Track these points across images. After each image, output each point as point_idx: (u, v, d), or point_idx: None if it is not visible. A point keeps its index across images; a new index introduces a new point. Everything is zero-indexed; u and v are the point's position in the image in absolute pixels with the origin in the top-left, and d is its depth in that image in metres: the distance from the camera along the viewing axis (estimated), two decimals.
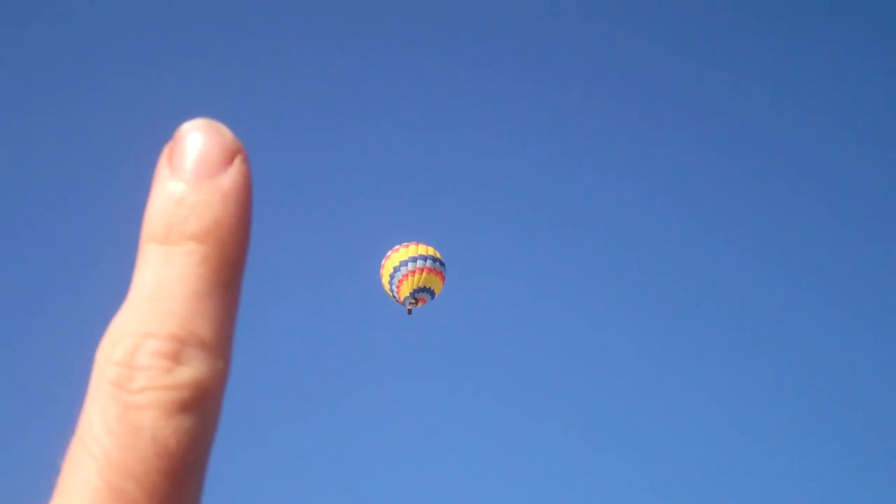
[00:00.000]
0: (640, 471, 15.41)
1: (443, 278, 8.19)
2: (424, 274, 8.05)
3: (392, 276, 8.10)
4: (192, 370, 0.26)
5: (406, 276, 8.04)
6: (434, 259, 8.12)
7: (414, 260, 8.04)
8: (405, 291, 8.09)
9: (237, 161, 0.28)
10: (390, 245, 8.23)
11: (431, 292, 8.18)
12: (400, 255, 8.08)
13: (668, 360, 16.24)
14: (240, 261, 0.28)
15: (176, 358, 0.26)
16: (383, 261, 8.16)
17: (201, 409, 0.26)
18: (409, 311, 8.30)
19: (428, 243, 8.21)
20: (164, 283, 0.27)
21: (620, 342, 16.60)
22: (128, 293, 0.28)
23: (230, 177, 0.28)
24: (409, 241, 8.19)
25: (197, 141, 0.28)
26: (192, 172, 0.28)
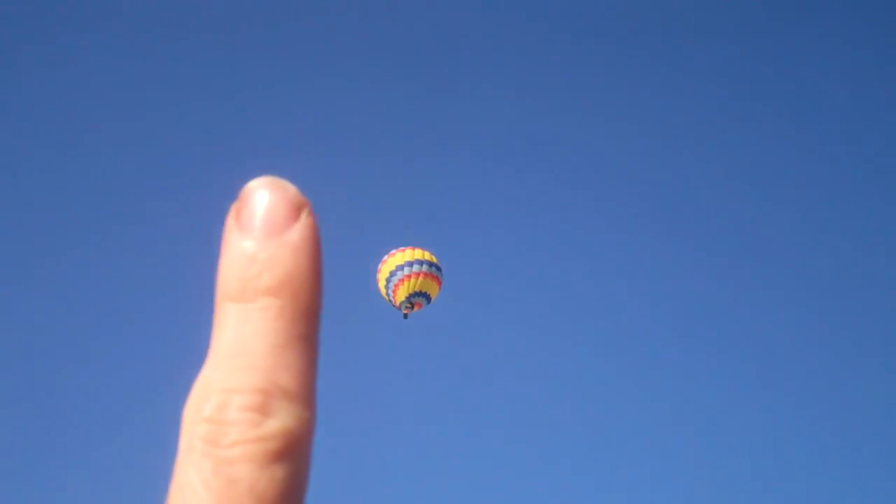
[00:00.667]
0: (636, 475, 15.42)
1: (439, 283, 8.19)
2: (421, 278, 8.05)
3: (388, 280, 8.10)
4: (280, 421, 0.27)
5: (402, 280, 8.04)
6: (431, 264, 8.12)
7: (410, 264, 8.04)
8: (401, 296, 8.09)
9: (304, 215, 0.29)
10: (387, 249, 8.23)
11: (428, 297, 8.18)
12: (396, 260, 8.08)
13: (667, 363, 16.25)
14: (315, 311, 0.29)
15: (263, 410, 0.27)
16: (380, 265, 8.16)
17: (292, 457, 0.27)
18: (406, 316, 8.29)
19: (425, 248, 8.22)
20: (243, 340, 0.28)
21: (618, 346, 16.61)
22: (208, 353, 0.29)
23: (298, 231, 0.29)
24: (406, 245, 8.19)
25: (264, 198, 0.29)
26: (261, 229, 0.29)
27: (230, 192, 0.30)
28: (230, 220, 0.29)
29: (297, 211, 0.29)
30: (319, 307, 0.29)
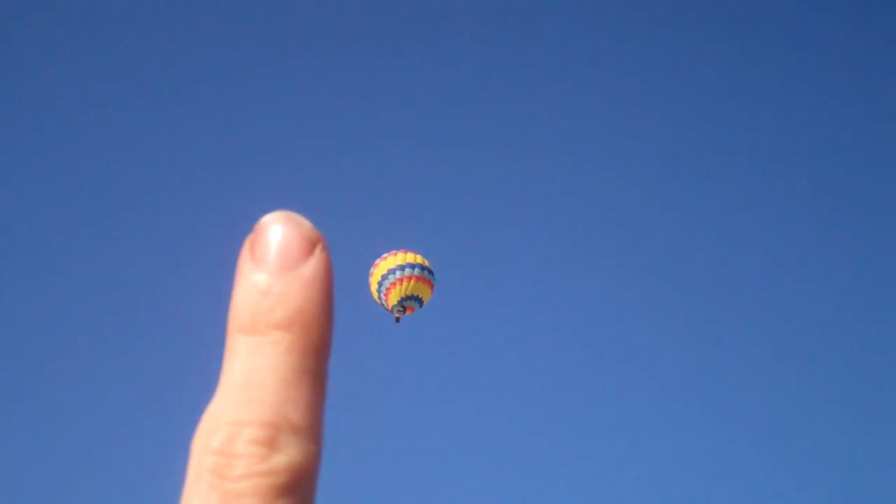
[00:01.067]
0: (635, 474, 15.44)
1: (431, 287, 8.20)
2: (413, 282, 8.05)
3: (380, 284, 8.10)
4: (287, 456, 0.27)
5: (394, 284, 8.05)
6: (423, 267, 8.13)
7: (402, 268, 8.04)
8: (393, 299, 8.09)
9: (318, 250, 0.29)
10: (379, 253, 8.23)
11: (420, 300, 8.18)
12: (388, 264, 8.08)
13: (666, 365, 16.27)
14: (325, 346, 0.29)
15: (271, 444, 0.27)
16: (372, 269, 8.16)
17: (298, 492, 0.27)
18: (398, 320, 8.30)
19: (416, 252, 8.22)
20: (254, 373, 0.28)
21: (614, 349, 16.62)
22: (219, 383, 0.29)
23: (311, 266, 0.29)
24: (398, 249, 8.20)
25: (278, 233, 0.29)
26: (275, 263, 0.29)
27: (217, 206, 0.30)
28: (244, 253, 0.30)
29: (311, 246, 0.29)
30: (330, 342, 0.29)
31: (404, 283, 8.04)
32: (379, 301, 8.19)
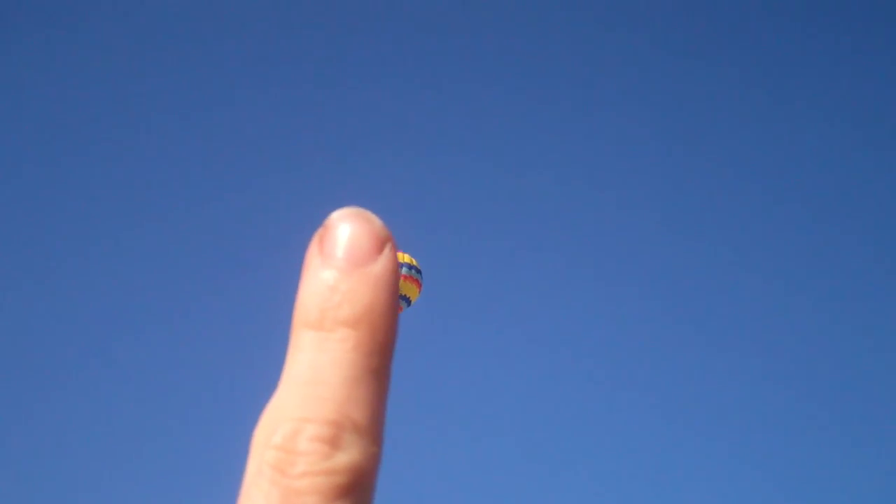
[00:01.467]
0: (633, 476, 15.46)
1: (419, 286, 8.20)
2: (400, 282, 8.06)
3: None
4: (349, 455, 0.27)
5: None
6: (410, 266, 8.12)
7: None
8: None
9: (387, 249, 0.29)
10: None
11: (407, 300, 8.18)
12: None
13: (665, 363, 16.27)
14: (390, 346, 0.29)
15: (334, 443, 0.27)
16: None
17: (358, 492, 0.27)
18: None
19: (404, 251, 8.22)
20: (319, 369, 0.28)
21: (615, 346, 16.62)
22: (282, 376, 0.28)
23: (380, 265, 0.29)
24: None
25: (348, 230, 0.29)
26: (344, 260, 0.29)
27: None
28: (313, 248, 0.29)
29: (381, 244, 0.29)
30: (394, 343, 0.29)
31: None
32: None
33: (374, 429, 0.28)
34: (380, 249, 0.29)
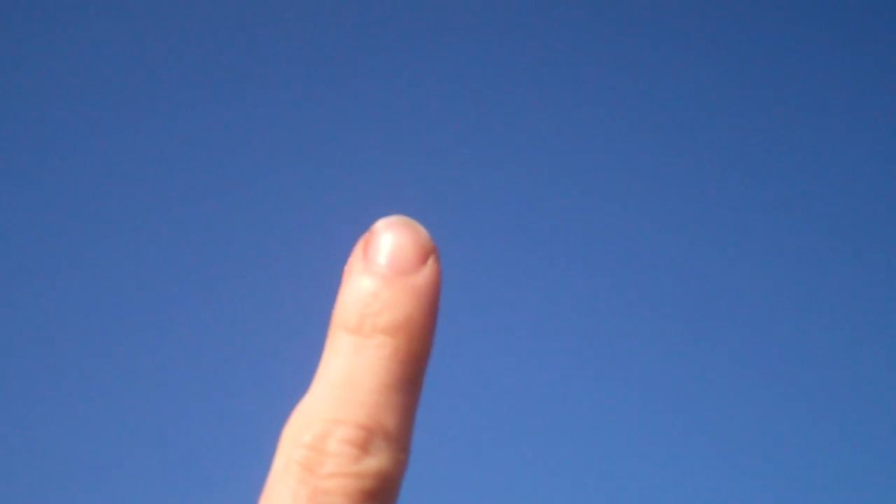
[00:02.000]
0: (632, 475, 15.43)
1: None
2: None
3: None
4: (378, 461, 0.27)
5: None
6: None
7: None
8: None
9: (431, 260, 0.29)
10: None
11: None
12: None
13: (666, 363, 16.23)
14: (425, 357, 0.29)
15: (364, 447, 0.27)
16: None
17: (383, 498, 0.27)
18: None
19: None
20: (354, 372, 0.28)
21: (612, 346, 16.56)
22: (315, 376, 0.28)
23: (424, 276, 0.29)
24: None
25: (393, 238, 0.29)
26: (387, 268, 0.29)
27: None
28: (357, 252, 0.29)
29: (425, 255, 0.29)
30: (430, 354, 0.29)
31: None
32: None
33: (404, 437, 0.28)
34: (424, 260, 0.29)
